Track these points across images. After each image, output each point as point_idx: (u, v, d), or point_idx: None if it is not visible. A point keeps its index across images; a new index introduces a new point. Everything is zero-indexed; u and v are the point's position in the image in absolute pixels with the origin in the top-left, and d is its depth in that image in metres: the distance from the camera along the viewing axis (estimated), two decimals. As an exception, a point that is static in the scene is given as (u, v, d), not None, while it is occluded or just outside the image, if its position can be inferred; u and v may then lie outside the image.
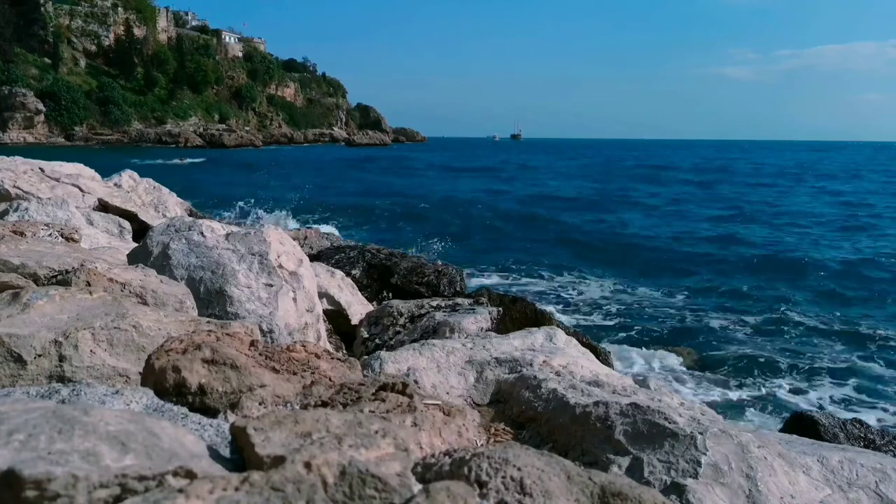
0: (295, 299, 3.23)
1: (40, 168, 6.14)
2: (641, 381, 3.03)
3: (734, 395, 7.38)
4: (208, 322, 2.04)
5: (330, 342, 4.07)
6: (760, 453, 1.90)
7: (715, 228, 21.03)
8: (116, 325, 1.82)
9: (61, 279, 2.36)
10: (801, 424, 4.16)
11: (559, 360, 2.81)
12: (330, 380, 1.60)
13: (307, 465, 0.92)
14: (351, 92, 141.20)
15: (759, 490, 1.80)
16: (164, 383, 1.45)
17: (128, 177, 7.82)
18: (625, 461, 1.91)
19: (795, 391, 7.57)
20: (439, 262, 7.31)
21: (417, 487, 0.93)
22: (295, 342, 1.83)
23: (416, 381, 2.47)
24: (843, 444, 3.69)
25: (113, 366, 1.73)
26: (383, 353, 2.77)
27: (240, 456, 1.07)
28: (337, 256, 6.88)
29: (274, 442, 1.01)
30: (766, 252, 16.86)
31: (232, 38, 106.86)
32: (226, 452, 1.11)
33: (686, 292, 12.25)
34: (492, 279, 12.98)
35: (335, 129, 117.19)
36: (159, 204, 7.78)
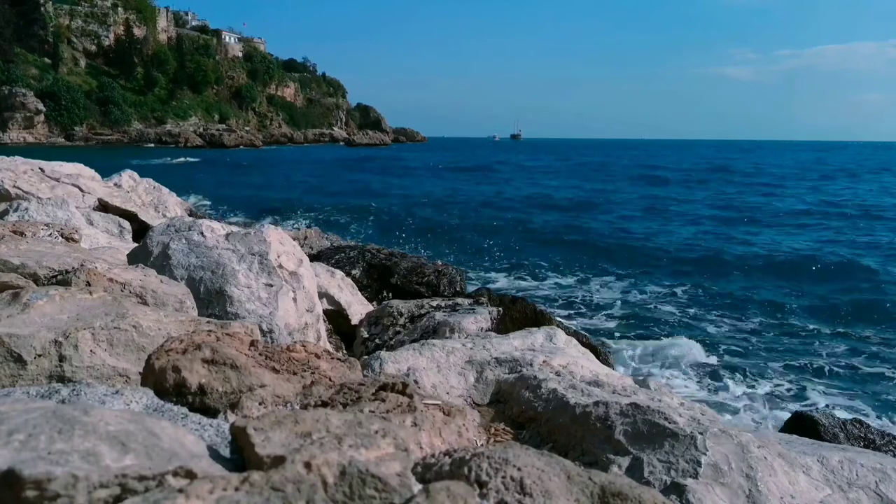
0: (295, 299, 3.23)
1: (40, 168, 6.14)
2: (641, 381, 3.03)
3: (734, 395, 7.38)
4: (208, 322, 2.04)
5: (330, 342, 4.07)
6: (760, 453, 1.90)
7: (714, 229, 21.03)
8: (116, 325, 1.82)
9: (61, 279, 2.36)
10: (801, 424, 4.16)
11: (559, 360, 2.81)
12: (330, 380, 1.60)
13: (307, 465, 0.92)
14: (351, 92, 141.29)
15: (759, 490, 1.80)
16: (164, 383, 1.45)
17: (128, 177, 7.83)
18: (625, 461, 1.91)
19: (795, 391, 7.57)
20: (439, 262, 7.31)
21: (417, 487, 0.93)
22: (295, 342, 1.83)
23: (416, 381, 2.48)
24: (843, 444, 3.69)
25: (113, 366, 1.73)
26: (383, 353, 2.77)
27: (240, 456, 1.07)
28: (337, 256, 6.88)
29: (274, 442, 1.01)
30: (766, 252, 16.86)
31: (232, 38, 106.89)
32: (226, 452, 1.11)
33: (685, 292, 12.25)
34: (491, 281, 13.00)
35: (335, 129, 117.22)
36: (159, 204, 7.78)
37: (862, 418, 5.15)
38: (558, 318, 6.63)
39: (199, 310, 2.69)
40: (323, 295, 4.61)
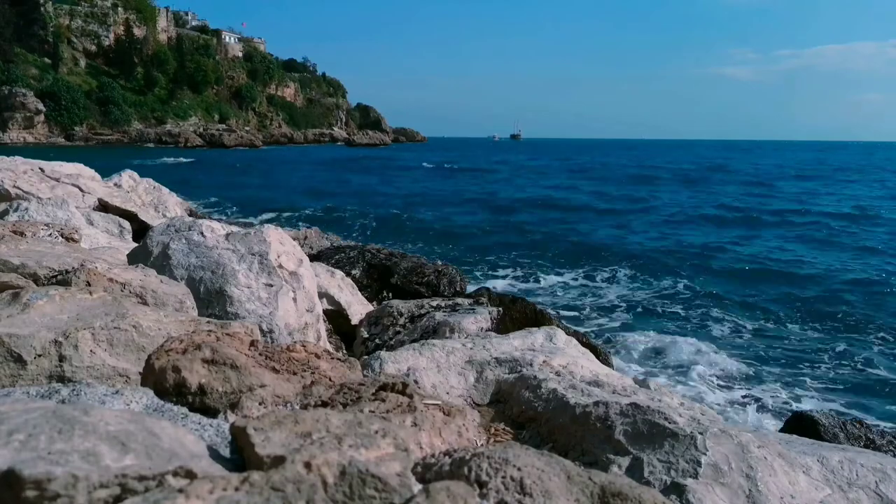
0: (295, 299, 3.23)
1: (40, 168, 6.14)
2: (641, 381, 3.03)
3: (734, 395, 7.38)
4: (208, 322, 2.04)
5: (330, 342, 4.07)
6: (760, 453, 1.90)
7: (714, 229, 21.04)
8: (116, 325, 1.82)
9: (61, 279, 2.36)
10: (801, 424, 4.16)
11: (559, 360, 2.81)
12: (330, 380, 1.60)
13: (307, 465, 0.92)
14: (351, 92, 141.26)
15: (759, 490, 1.80)
16: (164, 383, 1.45)
17: (128, 177, 7.83)
18: (625, 461, 1.91)
19: (795, 391, 7.57)
20: (439, 262, 7.31)
21: (417, 487, 0.93)
22: (295, 342, 1.83)
23: (416, 381, 2.48)
24: (843, 444, 3.69)
25: (113, 366, 1.73)
26: (383, 353, 2.77)
27: (240, 456, 1.07)
28: (337, 256, 6.88)
29: (274, 442, 1.01)
30: (766, 252, 16.87)
31: (232, 38, 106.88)
32: (226, 452, 1.11)
33: (685, 293, 12.25)
34: (494, 277, 13.00)
35: (335, 129, 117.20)
36: (159, 204, 7.78)
37: (862, 418, 5.15)
38: (558, 318, 6.63)
39: (199, 310, 2.69)
40: (323, 295, 4.61)
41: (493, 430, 2.20)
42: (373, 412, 1.31)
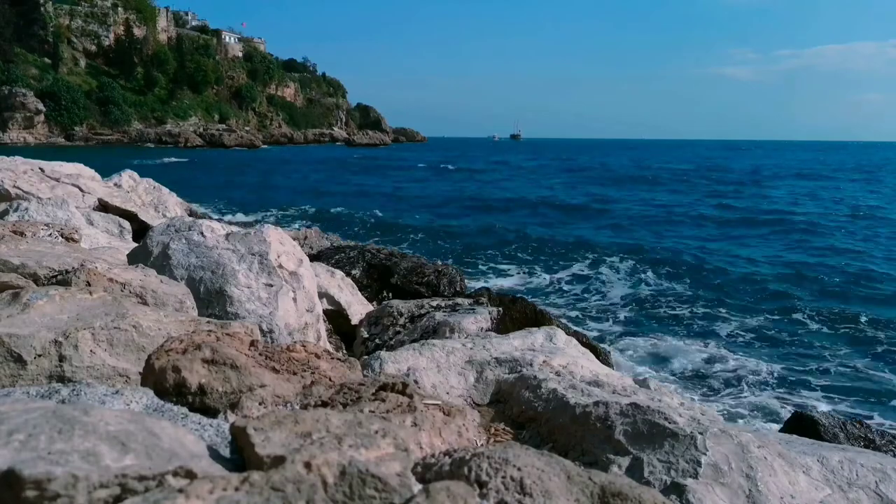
0: (295, 299, 3.23)
1: (40, 168, 6.14)
2: (641, 381, 3.03)
3: (734, 395, 7.38)
4: (208, 322, 2.04)
5: (330, 342, 4.07)
6: (760, 453, 1.90)
7: (714, 229, 21.04)
8: (116, 325, 1.82)
9: (61, 279, 2.36)
10: (801, 424, 4.16)
11: (559, 360, 2.81)
12: (330, 380, 1.60)
13: (307, 465, 0.92)
14: (351, 92, 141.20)
15: (759, 490, 1.80)
16: (164, 383, 1.45)
17: (128, 177, 7.83)
18: (625, 461, 1.91)
19: (795, 391, 7.57)
20: (439, 262, 7.31)
21: (417, 487, 0.93)
22: (295, 342, 1.83)
23: (416, 381, 2.48)
24: (843, 444, 3.69)
25: (113, 366, 1.73)
26: (383, 353, 2.77)
27: (240, 456, 1.07)
28: (337, 256, 6.88)
29: (274, 442, 1.01)
30: (766, 252, 16.87)
31: (232, 38, 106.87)
32: (226, 452, 1.11)
33: (684, 293, 12.25)
34: (499, 274, 13.00)
35: (335, 129, 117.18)
36: (159, 204, 7.78)
37: (862, 418, 5.15)
38: (560, 315, 6.63)
39: (199, 310, 2.69)
40: (323, 295, 4.61)
41: (493, 430, 2.20)
42: (373, 412, 1.31)
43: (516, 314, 4.67)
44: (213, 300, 3.01)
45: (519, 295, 7.74)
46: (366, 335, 4.40)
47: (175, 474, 0.88)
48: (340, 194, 29.12)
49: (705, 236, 19.57)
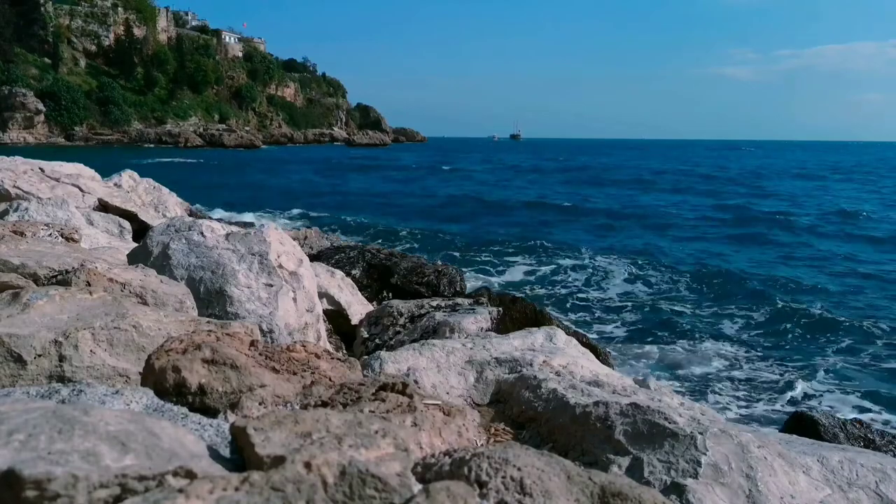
0: (295, 299, 3.23)
1: (40, 168, 6.14)
2: (641, 381, 3.03)
3: (734, 395, 7.38)
4: (208, 322, 2.04)
5: (330, 342, 4.06)
6: (760, 453, 1.90)
7: (711, 230, 21.04)
8: (116, 325, 1.82)
9: (61, 279, 2.36)
10: (801, 424, 4.17)
11: (559, 360, 2.81)
12: (330, 380, 1.60)
13: (307, 465, 0.92)
14: (351, 92, 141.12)
15: (759, 490, 1.80)
16: (164, 383, 1.45)
17: (128, 177, 7.82)
18: (625, 461, 1.91)
19: (795, 391, 7.57)
20: (439, 262, 7.32)
21: (417, 487, 0.93)
22: (295, 342, 1.83)
23: (416, 381, 2.47)
24: (843, 444, 3.69)
25: (113, 366, 1.73)
26: (383, 353, 2.76)
27: (240, 456, 1.07)
28: (337, 256, 6.88)
29: (274, 442, 1.01)
30: (766, 252, 16.87)
31: (232, 38, 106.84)
32: (226, 452, 1.11)
33: (683, 293, 12.26)
34: (506, 269, 12.99)
35: (335, 129, 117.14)
36: (159, 204, 7.78)
37: (862, 418, 5.15)
38: (557, 317, 6.63)
39: (199, 310, 2.69)
40: (323, 295, 4.61)
41: (493, 430, 2.20)
42: (373, 412, 1.31)
43: (516, 314, 4.67)
44: (213, 300, 3.01)
45: (518, 295, 7.74)
46: (366, 335, 4.40)
47: (175, 474, 0.88)
48: (341, 194, 29.15)
49: (705, 237, 19.57)
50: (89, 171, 6.68)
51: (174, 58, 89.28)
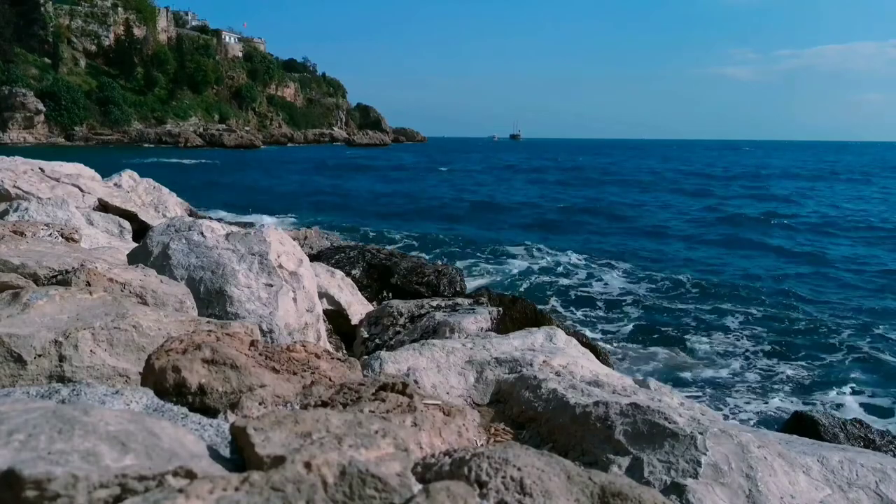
0: (295, 299, 3.23)
1: (40, 168, 6.14)
2: (641, 381, 3.03)
3: (734, 395, 7.38)
4: (208, 322, 2.04)
5: (330, 342, 4.06)
6: (760, 453, 1.90)
7: (712, 230, 21.04)
8: (116, 325, 1.82)
9: (61, 279, 2.36)
10: (801, 424, 4.17)
11: (559, 360, 2.81)
12: (330, 380, 1.60)
13: (307, 465, 0.92)
14: (351, 92, 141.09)
15: (759, 490, 1.80)
16: (164, 383, 1.45)
17: (128, 177, 7.82)
18: (625, 461, 1.91)
19: (795, 391, 7.57)
20: (439, 263, 7.32)
21: (417, 487, 0.93)
22: (295, 342, 1.83)
23: (416, 381, 2.47)
24: (843, 444, 3.69)
25: (113, 366, 1.73)
26: (383, 353, 2.76)
27: (240, 456, 1.07)
28: (337, 256, 6.88)
29: (274, 442, 1.01)
30: (765, 252, 16.87)
31: (232, 38, 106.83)
32: (226, 452, 1.11)
33: (682, 293, 12.25)
34: (505, 268, 13.00)
35: (335, 129, 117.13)
36: (159, 204, 7.78)
37: (862, 418, 5.15)
38: (556, 317, 6.63)
39: (199, 310, 2.69)
40: (323, 295, 4.61)
41: (493, 430, 2.20)
42: (373, 412, 1.31)
43: (516, 314, 4.67)
44: (213, 300, 3.01)
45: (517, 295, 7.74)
46: (366, 335, 4.40)
47: (175, 474, 0.88)
48: (341, 194, 29.16)
49: (705, 237, 19.57)
50: (89, 171, 6.68)
51: (174, 58, 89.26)
